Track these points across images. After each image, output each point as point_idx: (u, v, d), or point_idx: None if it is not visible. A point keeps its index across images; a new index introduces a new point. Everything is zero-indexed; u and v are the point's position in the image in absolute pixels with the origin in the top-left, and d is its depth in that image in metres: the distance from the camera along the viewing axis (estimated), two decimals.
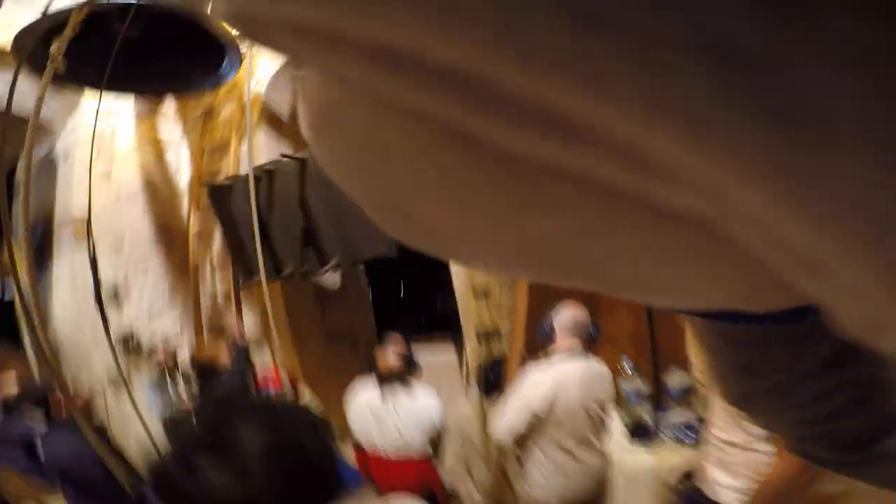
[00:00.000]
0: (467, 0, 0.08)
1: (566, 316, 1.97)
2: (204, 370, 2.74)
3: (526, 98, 0.09)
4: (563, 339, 1.92)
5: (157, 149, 3.52)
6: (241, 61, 2.22)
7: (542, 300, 2.15)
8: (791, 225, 0.09)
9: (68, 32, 1.27)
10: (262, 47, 0.13)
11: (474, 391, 2.74)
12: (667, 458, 1.86)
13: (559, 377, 1.83)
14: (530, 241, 0.13)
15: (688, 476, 1.76)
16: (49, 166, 3.16)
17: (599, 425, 1.91)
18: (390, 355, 2.30)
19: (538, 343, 2.03)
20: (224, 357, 2.78)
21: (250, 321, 3.40)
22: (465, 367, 2.96)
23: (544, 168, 0.11)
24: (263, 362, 3.37)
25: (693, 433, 1.88)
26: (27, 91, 2.94)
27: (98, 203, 3.10)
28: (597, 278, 0.15)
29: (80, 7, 1.34)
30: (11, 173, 3.40)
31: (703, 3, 0.07)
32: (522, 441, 1.90)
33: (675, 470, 1.80)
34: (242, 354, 2.72)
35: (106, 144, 3.18)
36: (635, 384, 2.10)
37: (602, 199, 0.11)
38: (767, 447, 1.34)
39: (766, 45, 0.07)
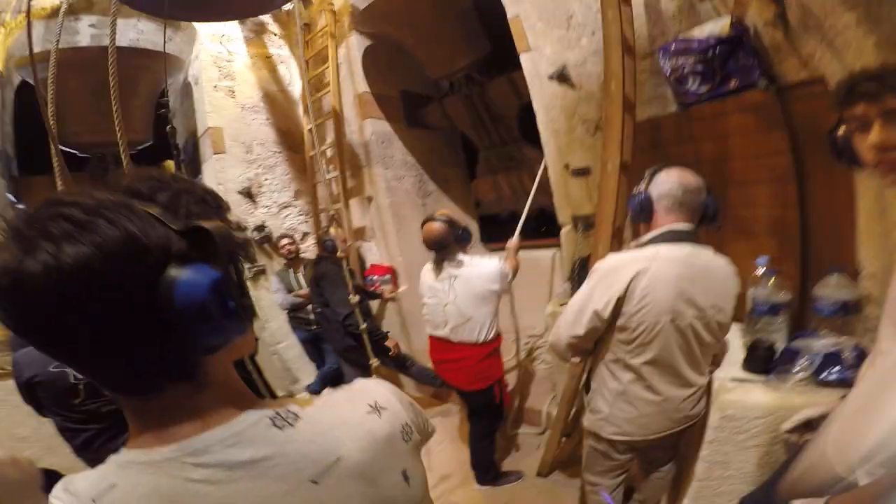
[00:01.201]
0: None
1: (669, 181, 1.30)
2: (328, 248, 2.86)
3: None
4: (662, 216, 1.32)
5: (268, 64, 3.73)
6: None
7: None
8: None
9: None
10: None
11: (565, 290, 2.32)
12: (790, 399, 1.23)
13: (641, 266, 1.27)
14: None
15: (808, 426, 1.14)
16: (187, 90, 3.57)
17: (696, 346, 1.32)
18: (433, 223, 2.09)
19: (630, 223, 1.48)
20: (346, 243, 2.95)
21: (362, 219, 3.55)
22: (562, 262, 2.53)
23: None
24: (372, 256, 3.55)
25: (841, 369, 1.19)
26: (149, 30, 3.31)
27: (227, 115, 3.44)
28: None
29: None
30: (160, 99, 4.02)
31: None
32: (593, 353, 1.47)
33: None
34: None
35: (225, 65, 3.48)
36: (768, 292, 1.42)
37: None
38: None
39: None
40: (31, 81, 2.64)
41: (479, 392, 2.19)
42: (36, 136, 2.53)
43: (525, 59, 2.38)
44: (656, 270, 1.27)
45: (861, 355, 1.19)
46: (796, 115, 1.55)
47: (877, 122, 0.76)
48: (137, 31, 3.30)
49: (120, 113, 1.88)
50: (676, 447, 1.58)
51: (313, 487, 0.47)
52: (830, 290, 1.34)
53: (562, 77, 2.27)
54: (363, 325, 2.67)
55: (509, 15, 2.37)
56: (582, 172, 2.27)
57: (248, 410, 0.49)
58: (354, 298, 2.67)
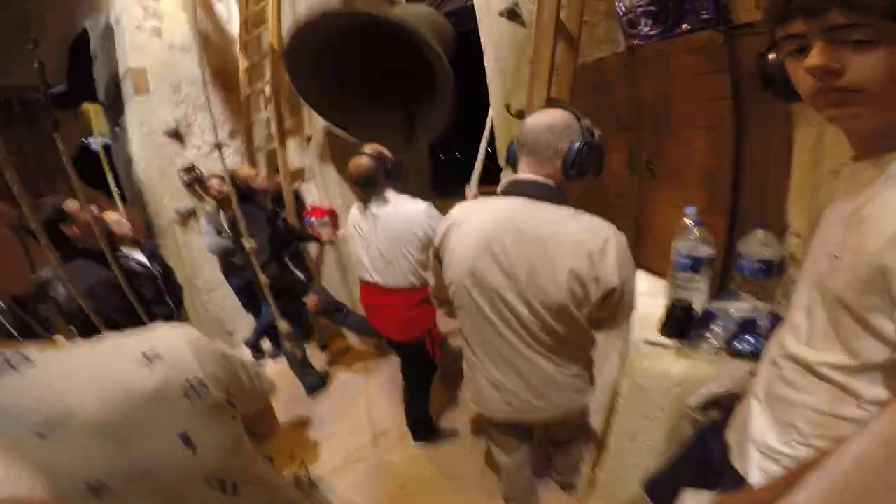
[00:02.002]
0: None
1: (525, 123, 1.09)
2: (240, 189, 2.48)
3: None
4: (520, 163, 1.10)
5: (204, 2, 3.36)
6: None
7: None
8: None
9: None
10: None
11: None
12: (700, 369, 1.12)
13: (455, 219, 1.14)
14: None
15: (715, 405, 1.04)
16: (109, 32, 3.22)
17: (520, 325, 1.07)
18: (361, 157, 1.91)
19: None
20: (262, 179, 2.68)
21: (301, 160, 3.28)
22: None
23: None
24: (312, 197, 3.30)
25: (754, 338, 1.08)
26: None
27: (153, 56, 3.10)
28: None
29: None
30: (79, 40, 3.61)
31: None
32: None
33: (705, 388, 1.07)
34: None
35: (151, 4, 3.11)
36: (690, 244, 1.27)
37: None
38: (877, 391, 0.59)
39: None
40: None
41: (410, 343, 2.05)
42: None
43: None
44: (469, 225, 1.10)
45: (776, 322, 1.07)
46: (743, 60, 1.36)
47: (817, 41, 0.57)
48: None
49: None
50: (575, 428, 1.44)
51: (40, 442, 0.42)
52: (754, 247, 1.21)
53: (512, 14, 2.02)
54: (263, 277, 2.32)
55: None
56: (522, 115, 2.06)
57: None
58: (250, 243, 2.28)
